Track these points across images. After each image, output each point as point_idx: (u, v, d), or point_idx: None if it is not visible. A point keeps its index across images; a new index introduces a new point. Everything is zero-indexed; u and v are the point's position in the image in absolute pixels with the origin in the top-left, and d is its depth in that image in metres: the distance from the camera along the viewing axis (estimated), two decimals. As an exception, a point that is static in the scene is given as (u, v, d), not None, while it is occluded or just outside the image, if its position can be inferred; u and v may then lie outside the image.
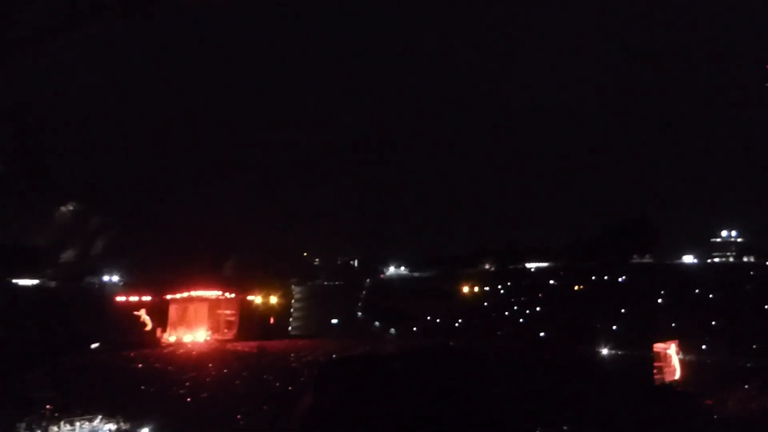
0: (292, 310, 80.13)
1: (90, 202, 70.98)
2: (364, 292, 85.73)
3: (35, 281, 62.62)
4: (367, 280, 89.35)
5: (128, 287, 65.71)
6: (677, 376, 37.02)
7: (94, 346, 57.88)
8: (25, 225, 69.02)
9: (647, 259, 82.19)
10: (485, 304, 74.46)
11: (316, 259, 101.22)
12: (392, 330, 73.83)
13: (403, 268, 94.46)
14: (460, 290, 76.36)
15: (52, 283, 63.33)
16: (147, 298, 64.65)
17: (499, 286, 77.33)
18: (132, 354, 53.59)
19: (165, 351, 58.46)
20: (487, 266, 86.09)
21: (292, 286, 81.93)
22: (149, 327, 64.52)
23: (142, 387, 37.38)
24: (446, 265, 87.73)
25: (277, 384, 38.17)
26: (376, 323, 77.30)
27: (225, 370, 44.47)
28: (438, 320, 73.17)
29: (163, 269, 68.42)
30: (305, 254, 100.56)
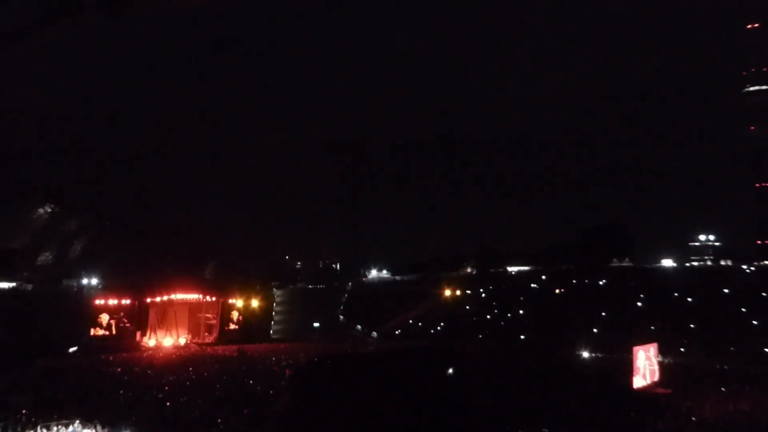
0: (273, 313, 79.86)
1: (68, 205, 70.23)
2: (345, 296, 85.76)
3: (11, 284, 61.77)
4: (349, 284, 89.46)
5: (107, 290, 65.04)
6: (656, 378, 37.31)
7: (71, 349, 57.19)
8: (1, 227, 68.05)
9: (626, 263, 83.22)
10: (467, 307, 74.69)
11: (298, 263, 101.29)
12: (374, 333, 73.82)
13: (384, 271, 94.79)
14: (442, 294, 76.60)
15: (29, 286, 62.50)
16: (126, 302, 63.98)
17: (480, 290, 77.69)
18: (110, 358, 52.95)
19: (144, 355, 57.81)
20: (468, 270, 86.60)
21: (274, 290, 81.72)
22: (128, 330, 63.87)
23: (121, 391, 36.80)
24: (428, 268, 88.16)
25: (258, 388, 37.83)
26: (358, 326, 77.26)
27: (205, 374, 43.98)
28: (420, 323, 73.27)
29: (143, 272, 67.84)
30: (287, 257, 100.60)
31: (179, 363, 50.59)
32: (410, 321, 74.10)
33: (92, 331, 61.86)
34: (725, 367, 45.71)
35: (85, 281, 66.93)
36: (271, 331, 78.04)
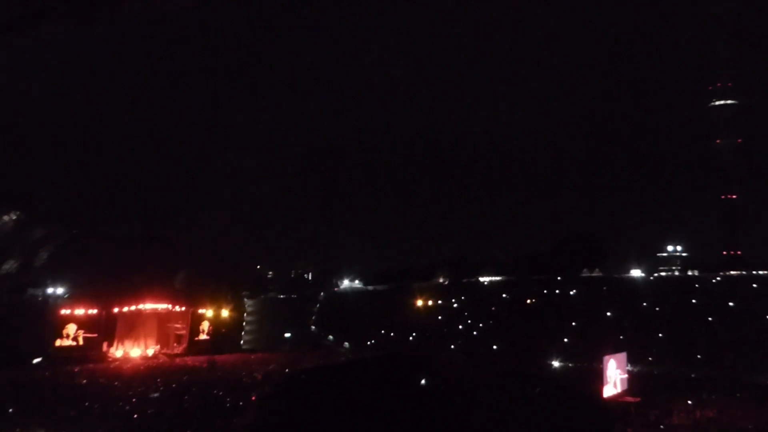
0: (244, 323, 79.10)
1: (33, 211, 68.82)
2: (317, 306, 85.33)
3: (-27, 293, 60.21)
4: (321, 294, 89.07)
5: (73, 300, 63.70)
6: (625, 386, 37.71)
7: (36, 360, 55.91)
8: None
9: (597, 273, 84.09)
10: (439, 317, 74.71)
11: (270, 272, 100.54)
12: (346, 343, 73.53)
13: (357, 281, 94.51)
14: (414, 303, 76.54)
15: (-8, 295, 60.98)
16: (93, 311, 62.75)
17: (453, 300, 77.78)
18: (76, 369, 51.86)
19: (111, 366, 56.72)
20: (440, 280, 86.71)
21: (245, 299, 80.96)
22: (95, 341, 62.61)
23: (86, 404, 36.01)
24: (401, 278, 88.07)
25: (228, 399, 37.34)
26: (330, 337, 76.88)
27: (174, 385, 43.29)
28: (392, 333, 73.14)
29: (111, 281, 66.59)
30: (258, 267, 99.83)
31: (147, 374, 49.76)
32: (382, 331, 73.94)
33: (58, 342, 60.57)
34: (692, 375, 46.38)
35: (50, 290, 65.49)
36: (242, 342, 77.24)
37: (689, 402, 34.71)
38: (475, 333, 68.83)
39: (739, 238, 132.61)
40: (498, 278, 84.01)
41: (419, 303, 76.40)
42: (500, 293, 76.24)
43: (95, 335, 62.64)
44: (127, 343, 66.00)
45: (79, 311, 62.09)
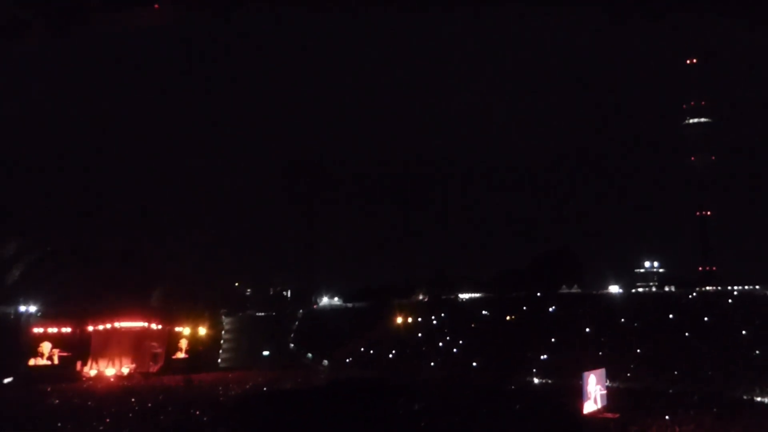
0: (221, 341, 78.28)
1: (6, 227, 67.77)
2: (296, 323, 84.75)
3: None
4: (300, 311, 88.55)
5: (47, 317, 62.56)
6: (604, 402, 37.74)
7: (6, 380, 54.78)
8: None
9: (575, 290, 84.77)
10: (419, 334, 74.50)
11: (248, 289, 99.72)
12: (325, 361, 72.93)
13: (336, 298, 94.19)
14: (394, 321, 76.32)
15: (-37, 313, 59.83)
16: (67, 329, 61.62)
17: (432, 317, 77.67)
18: (48, 388, 50.75)
19: (85, 385, 55.60)
20: (420, 297, 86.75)
21: (222, 317, 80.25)
22: (69, 360, 61.46)
23: (59, 424, 35.20)
24: (380, 295, 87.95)
25: (205, 418, 36.70)
26: (309, 354, 76.25)
27: (149, 405, 42.48)
28: (371, 351, 72.69)
29: (85, 299, 65.53)
30: (236, 284, 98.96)
31: (122, 393, 48.83)
32: (362, 349, 73.45)
33: (32, 361, 59.38)
34: (670, 390, 46.56)
35: (23, 308, 64.27)
36: (219, 360, 76.36)
37: (667, 417, 34.78)
38: (454, 350, 68.64)
39: (714, 254, 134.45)
40: (477, 295, 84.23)
41: (399, 320, 76.19)
42: (479, 310, 76.28)
43: (69, 354, 61.51)
44: (102, 362, 64.86)
45: (53, 329, 60.95)
